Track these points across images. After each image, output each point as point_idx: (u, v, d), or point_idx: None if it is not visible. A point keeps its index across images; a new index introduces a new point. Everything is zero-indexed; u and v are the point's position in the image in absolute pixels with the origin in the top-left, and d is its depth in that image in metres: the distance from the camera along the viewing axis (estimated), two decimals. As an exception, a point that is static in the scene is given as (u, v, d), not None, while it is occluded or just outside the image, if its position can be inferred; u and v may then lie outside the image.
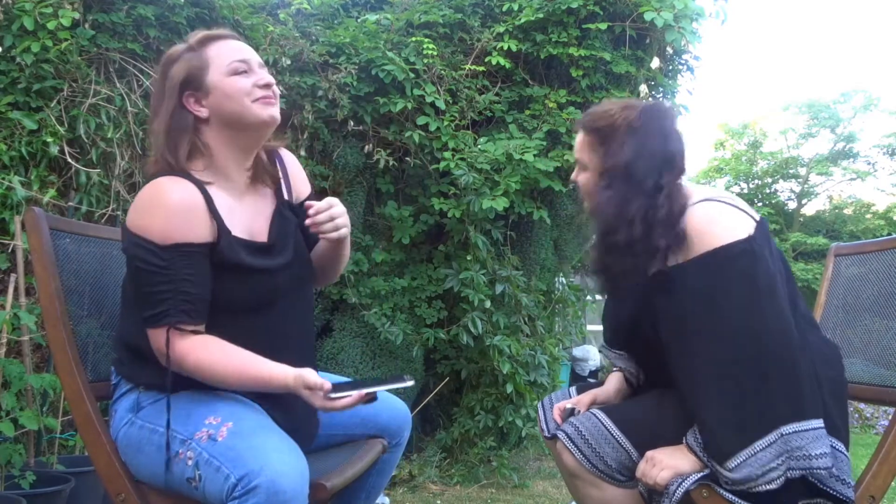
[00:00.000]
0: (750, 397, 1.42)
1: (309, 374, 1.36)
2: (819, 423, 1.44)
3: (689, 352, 1.46)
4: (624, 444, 1.58)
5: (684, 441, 1.51)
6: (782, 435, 1.42)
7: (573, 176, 1.67)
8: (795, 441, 1.42)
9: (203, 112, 1.47)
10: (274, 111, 1.48)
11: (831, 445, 1.48)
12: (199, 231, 1.40)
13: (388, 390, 1.50)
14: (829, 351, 1.59)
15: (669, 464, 1.49)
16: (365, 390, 1.36)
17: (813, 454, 1.42)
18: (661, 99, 4.33)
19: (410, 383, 1.36)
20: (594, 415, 1.64)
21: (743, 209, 1.52)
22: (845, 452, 1.52)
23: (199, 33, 1.51)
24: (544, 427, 1.81)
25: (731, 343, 1.42)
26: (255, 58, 1.49)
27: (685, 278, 1.46)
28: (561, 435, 1.64)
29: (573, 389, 1.88)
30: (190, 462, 1.34)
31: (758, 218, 1.52)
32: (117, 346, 1.56)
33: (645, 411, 1.62)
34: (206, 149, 1.48)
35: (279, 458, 1.30)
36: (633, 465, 1.58)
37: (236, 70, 1.46)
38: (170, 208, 1.38)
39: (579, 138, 1.63)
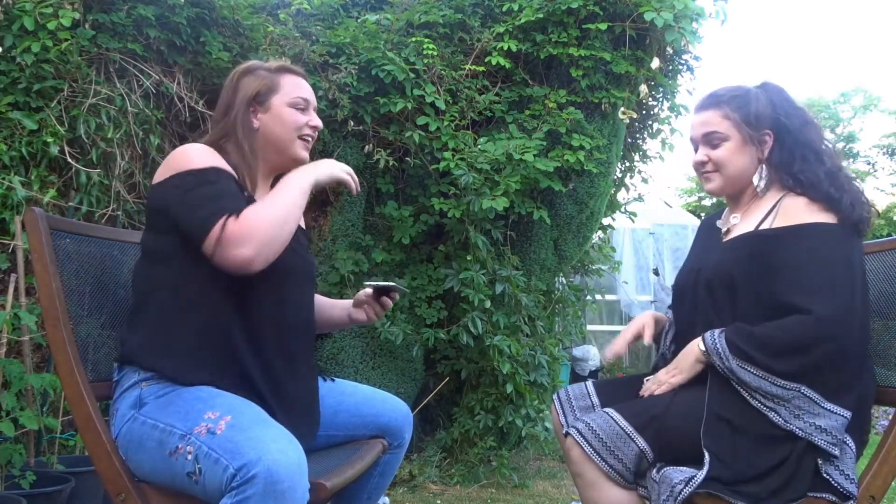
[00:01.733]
0: (796, 352, 1.52)
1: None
2: (837, 408, 1.52)
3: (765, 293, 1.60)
4: (638, 440, 1.61)
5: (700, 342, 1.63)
6: (800, 391, 1.52)
7: (702, 156, 1.76)
8: (805, 405, 1.52)
9: (255, 124, 1.65)
10: (306, 155, 1.69)
11: (842, 440, 1.53)
12: (230, 171, 1.54)
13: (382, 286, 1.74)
14: (871, 366, 1.65)
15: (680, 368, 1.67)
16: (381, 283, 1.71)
17: (814, 423, 1.51)
18: (660, 99, 4.34)
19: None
20: (607, 413, 1.66)
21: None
22: (853, 450, 1.55)
23: (279, 62, 1.75)
24: (563, 422, 1.83)
25: (801, 298, 1.53)
26: (314, 101, 1.72)
27: (775, 241, 1.61)
28: (572, 431, 1.66)
29: (589, 384, 1.88)
30: (190, 456, 1.36)
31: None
32: (131, 326, 1.55)
33: (657, 408, 1.64)
34: (251, 155, 1.63)
35: (276, 447, 1.31)
36: (646, 462, 1.61)
37: (297, 104, 1.67)
38: (201, 150, 1.53)
39: (709, 115, 1.74)
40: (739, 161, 1.71)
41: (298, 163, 1.66)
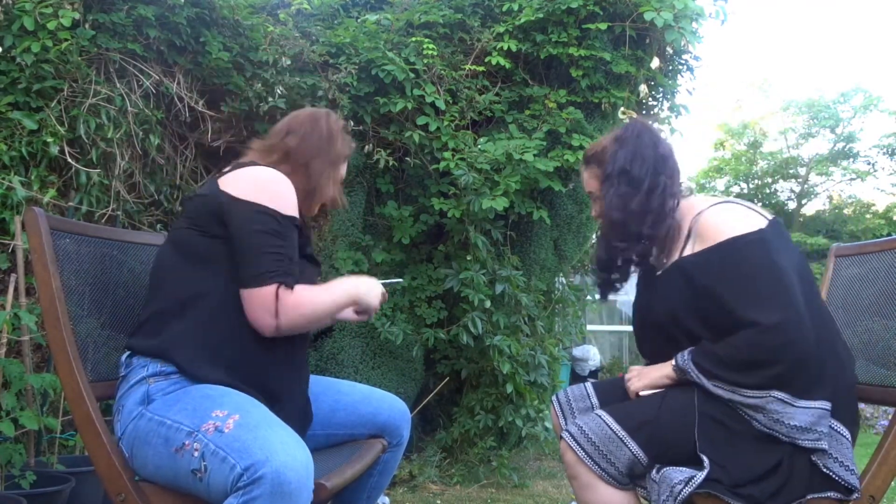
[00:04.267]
0: (757, 366, 1.53)
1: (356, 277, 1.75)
2: (811, 403, 1.53)
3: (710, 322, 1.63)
4: (630, 444, 1.61)
5: (673, 361, 1.67)
6: (770, 395, 1.54)
7: (593, 214, 1.87)
8: (780, 408, 1.53)
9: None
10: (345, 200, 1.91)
11: (830, 426, 1.54)
12: (297, 214, 1.63)
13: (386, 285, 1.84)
14: (843, 351, 1.66)
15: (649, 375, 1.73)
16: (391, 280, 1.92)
17: (792, 424, 1.52)
18: (660, 99, 4.34)
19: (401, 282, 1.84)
20: (599, 416, 1.66)
21: (755, 210, 1.67)
22: (848, 438, 1.56)
23: (342, 122, 1.88)
24: (562, 424, 1.85)
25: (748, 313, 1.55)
26: None
27: (700, 266, 1.63)
28: (565, 434, 1.67)
29: (589, 385, 1.89)
30: (196, 454, 1.36)
31: (770, 217, 1.64)
32: (160, 321, 1.55)
33: (648, 411, 1.64)
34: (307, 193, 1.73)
35: (284, 449, 1.32)
36: (640, 467, 1.62)
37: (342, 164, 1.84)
38: (288, 188, 1.61)
39: (584, 175, 1.84)
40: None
41: (335, 205, 1.85)
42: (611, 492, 1.62)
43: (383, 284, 1.79)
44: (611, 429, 1.63)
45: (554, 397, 1.92)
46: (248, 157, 1.74)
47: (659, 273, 1.76)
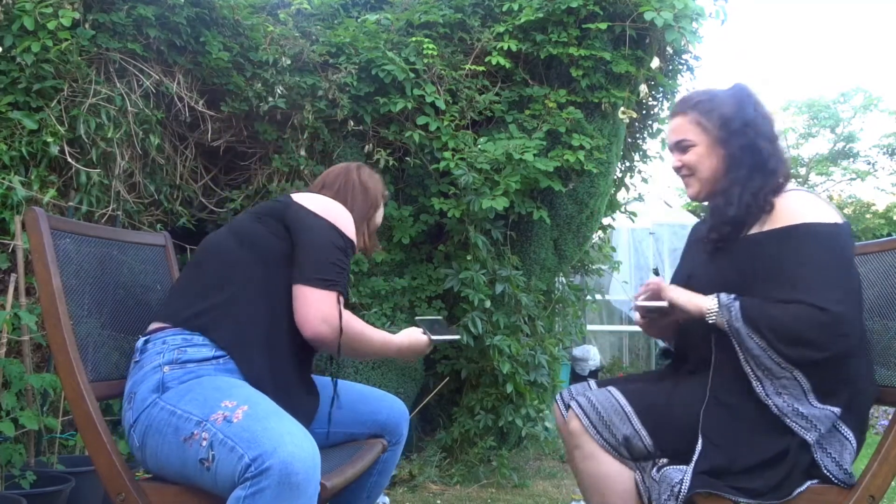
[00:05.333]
0: (807, 345, 1.52)
1: (413, 336, 1.82)
2: (824, 406, 1.53)
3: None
4: (634, 421, 1.63)
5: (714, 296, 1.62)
6: (792, 374, 1.54)
7: (676, 162, 1.78)
8: (792, 388, 1.54)
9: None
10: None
11: (836, 427, 1.55)
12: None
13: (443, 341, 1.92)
14: (868, 362, 1.65)
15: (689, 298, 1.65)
16: (446, 337, 1.88)
17: (797, 408, 1.53)
18: (660, 99, 4.34)
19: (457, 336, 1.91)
20: (609, 392, 1.69)
21: (832, 206, 1.65)
22: (853, 444, 1.56)
23: (376, 175, 1.97)
24: (562, 411, 1.82)
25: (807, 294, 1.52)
26: None
27: (773, 243, 1.60)
28: (573, 404, 1.69)
29: (592, 382, 1.89)
30: (204, 443, 1.37)
31: (843, 220, 1.62)
32: (206, 299, 1.58)
33: (658, 396, 1.66)
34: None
35: (292, 440, 1.33)
36: (641, 445, 1.63)
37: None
38: (351, 221, 1.72)
39: (678, 122, 1.76)
40: (710, 164, 1.73)
41: (363, 249, 1.93)
42: (611, 461, 1.64)
43: (435, 340, 1.83)
44: (619, 403, 1.65)
45: (557, 396, 1.92)
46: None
47: (720, 245, 1.71)
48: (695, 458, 1.53)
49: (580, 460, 1.68)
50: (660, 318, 1.82)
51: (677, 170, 1.78)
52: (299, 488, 1.30)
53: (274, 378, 1.55)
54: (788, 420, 1.53)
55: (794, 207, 1.62)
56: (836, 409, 1.54)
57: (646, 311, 1.78)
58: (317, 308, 1.56)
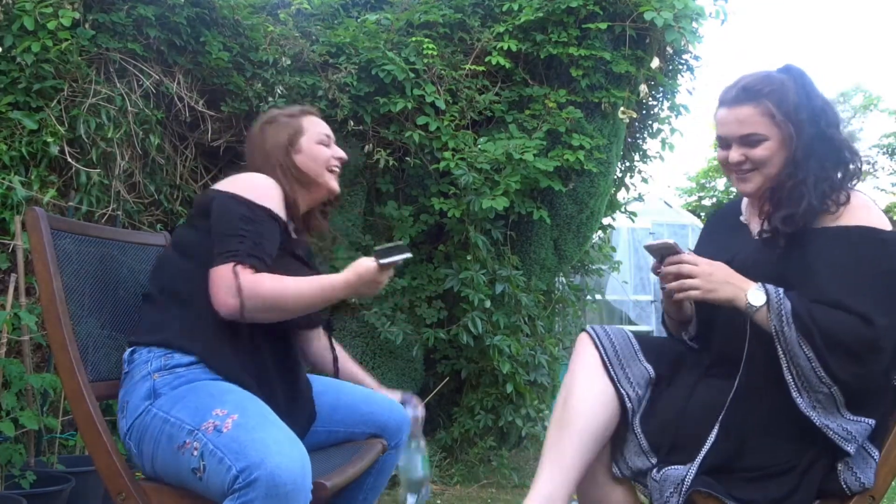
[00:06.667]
0: (851, 357, 1.43)
1: (359, 265, 1.58)
2: (857, 417, 1.47)
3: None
4: (646, 365, 1.61)
5: (759, 285, 1.49)
6: (830, 391, 1.44)
7: (739, 156, 1.59)
8: (826, 403, 1.45)
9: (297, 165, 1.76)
10: (337, 186, 1.81)
11: (866, 450, 1.50)
12: (281, 213, 1.64)
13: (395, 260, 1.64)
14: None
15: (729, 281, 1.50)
16: (396, 258, 1.58)
17: (827, 423, 1.45)
18: (660, 99, 4.34)
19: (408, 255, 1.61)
20: (626, 334, 1.66)
21: (881, 210, 1.57)
22: (876, 460, 1.51)
23: (296, 106, 1.86)
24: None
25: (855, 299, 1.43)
26: (332, 135, 1.84)
27: (833, 240, 1.49)
28: (589, 329, 1.65)
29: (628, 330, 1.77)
30: (195, 453, 1.37)
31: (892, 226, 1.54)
32: (167, 314, 1.57)
33: (670, 413, 1.58)
34: (288, 192, 1.72)
35: (279, 450, 1.32)
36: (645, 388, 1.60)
37: (322, 141, 1.79)
38: (269, 187, 1.64)
39: (747, 113, 1.58)
40: (779, 159, 1.57)
41: (331, 193, 1.80)
42: (602, 377, 1.59)
43: (384, 263, 1.58)
44: (633, 347, 1.63)
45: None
46: None
47: (760, 235, 1.59)
48: (704, 449, 1.47)
49: (568, 377, 1.61)
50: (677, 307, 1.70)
51: (738, 164, 1.60)
52: (287, 498, 1.29)
53: (257, 377, 1.54)
54: (831, 432, 1.45)
55: (865, 206, 1.53)
56: (871, 421, 1.48)
57: (657, 265, 1.60)
58: (218, 285, 1.49)
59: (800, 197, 1.53)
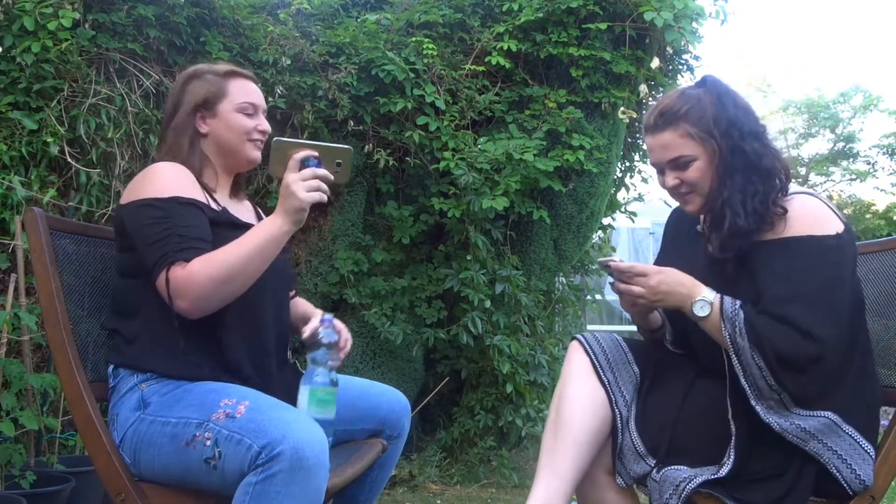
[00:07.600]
0: (796, 371, 1.45)
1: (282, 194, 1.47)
2: (818, 413, 1.48)
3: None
4: (635, 369, 1.64)
5: (716, 294, 1.51)
6: (780, 396, 1.47)
7: (673, 180, 1.59)
8: (776, 406, 1.48)
9: (204, 129, 1.66)
10: (259, 155, 1.70)
11: (860, 445, 1.50)
12: (193, 191, 1.55)
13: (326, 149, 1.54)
14: (871, 367, 1.60)
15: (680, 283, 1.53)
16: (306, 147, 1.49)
17: (786, 428, 1.47)
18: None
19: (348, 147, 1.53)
20: (617, 339, 1.69)
21: (833, 209, 1.55)
22: (872, 456, 1.51)
23: (227, 65, 1.73)
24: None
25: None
26: (262, 104, 1.72)
27: (776, 253, 1.50)
28: (580, 336, 1.67)
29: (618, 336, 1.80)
30: (209, 442, 1.37)
31: (845, 222, 1.53)
32: (123, 335, 1.56)
33: (665, 413, 1.60)
34: (202, 157, 1.67)
35: (300, 426, 1.33)
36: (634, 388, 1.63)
37: (244, 110, 1.67)
38: (165, 172, 1.56)
39: (669, 137, 1.57)
40: (709, 176, 1.57)
41: (252, 163, 1.70)
42: (591, 382, 1.61)
43: (322, 156, 1.47)
44: (624, 351, 1.65)
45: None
46: None
47: (710, 249, 1.59)
48: (724, 470, 1.47)
49: (560, 384, 1.63)
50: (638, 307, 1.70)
51: (674, 188, 1.60)
52: (311, 472, 1.30)
53: (230, 372, 1.54)
54: (789, 435, 1.47)
55: (805, 214, 1.51)
56: (829, 413, 1.48)
57: (616, 277, 1.60)
58: (165, 295, 1.46)
59: (723, 219, 1.53)
